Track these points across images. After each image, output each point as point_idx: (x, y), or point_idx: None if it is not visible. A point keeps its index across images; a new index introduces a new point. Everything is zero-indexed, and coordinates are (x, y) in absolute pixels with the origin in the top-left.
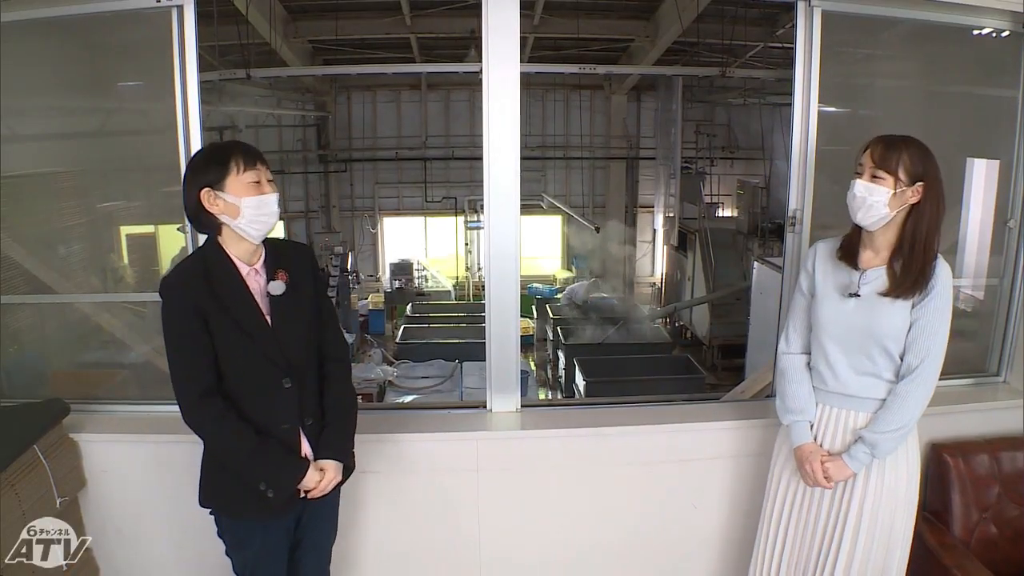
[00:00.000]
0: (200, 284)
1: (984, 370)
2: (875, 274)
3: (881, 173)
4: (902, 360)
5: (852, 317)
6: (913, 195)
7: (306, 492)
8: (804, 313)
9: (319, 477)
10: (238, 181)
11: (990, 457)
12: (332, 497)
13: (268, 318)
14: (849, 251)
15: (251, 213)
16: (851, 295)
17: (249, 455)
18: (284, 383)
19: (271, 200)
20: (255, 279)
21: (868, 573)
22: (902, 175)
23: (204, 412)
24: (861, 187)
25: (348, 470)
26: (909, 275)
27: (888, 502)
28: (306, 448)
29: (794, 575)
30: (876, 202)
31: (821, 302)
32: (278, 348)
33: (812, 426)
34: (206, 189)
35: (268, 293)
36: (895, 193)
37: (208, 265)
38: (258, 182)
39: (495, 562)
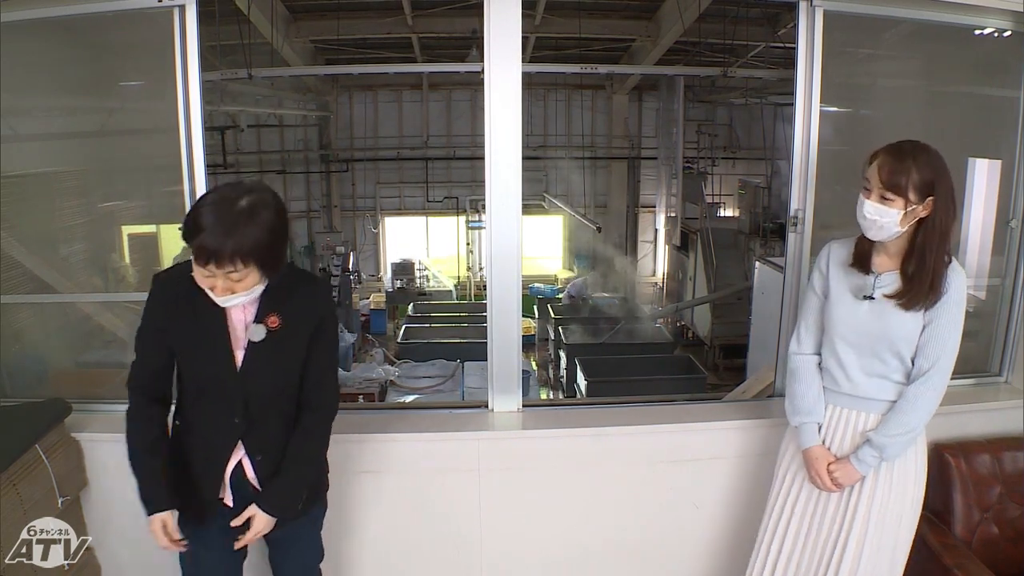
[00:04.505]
0: (184, 294)
1: (986, 370)
2: (889, 278)
3: (890, 195)
4: (913, 363)
5: (866, 320)
6: (924, 210)
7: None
8: (816, 313)
9: (159, 526)
10: (196, 271)
11: (992, 457)
12: (301, 527)
13: (240, 356)
14: (861, 258)
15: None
16: (865, 298)
17: (134, 461)
18: (233, 419)
19: (221, 302)
20: (241, 311)
21: (873, 574)
22: (912, 195)
23: (129, 402)
24: (871, 209)
25: (288, 511)
26: (923, 285)
27: (896, 504)
28: (251, 476)
29: (798, 575)
30: (888, 223)
31: (835, 304)
32: (239, 392)
33: (820, 428)
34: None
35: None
36: (906, 212)
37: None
38: (212, 279)
39: (496, 562)
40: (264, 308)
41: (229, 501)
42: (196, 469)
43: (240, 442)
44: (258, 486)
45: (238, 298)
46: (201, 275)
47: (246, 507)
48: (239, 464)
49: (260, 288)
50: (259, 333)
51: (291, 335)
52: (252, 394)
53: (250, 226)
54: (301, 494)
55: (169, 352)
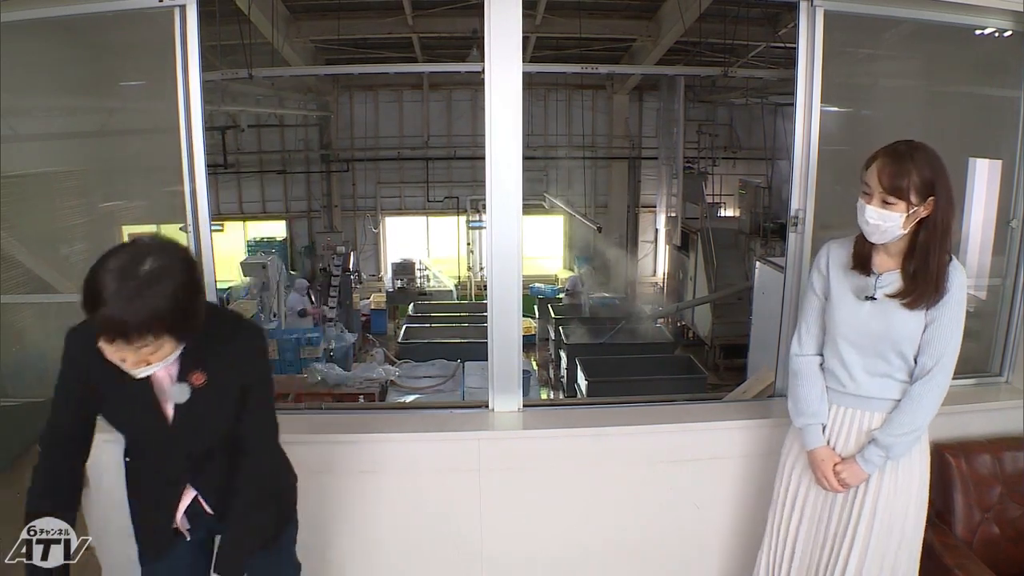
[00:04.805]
0: (100, 353)
1: (986, 370)
2: (890, 278)
3: (892, 199)
4: (916, 361)
5: (868, 320)
6: (925, 210)
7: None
8: (817, 314)
9: None
10: (102, 345)
11: (992, 457)
12: (274, 551)
13: (171, 411)
14: (861, 259)
15: None
16: (867, 298)
17: (27, 499)
18: (176, 470)
19: (136, 374)
20: (164, 368)
21: (879, 574)
22: (913, 197)
23: (39, 457)
24: (873, 214)
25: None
26: (928, 284)
27: (901, 503)
28: (209, 511)
29: (804, 574)
30: (891, 226)
31: (836, 305)
32: (176, 446)
33: (825, 428)
34: None
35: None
36: (908, 215)
37: None
38: (121, 353)
39: (496, 562)
40: (187, 365)
41: (188, 535)
42: (148, 510)
43: (190, 484)
44: (217, 515)
45: (155, 367)
46: (109, 350)
47: (209, 534)
48: (195, 499)
49: (178, 351)
50: (183, 394)
51: (219, 389)
52: (190, 446)
53: (155, 295)
54: (256, 547)
55: (89, 410)
